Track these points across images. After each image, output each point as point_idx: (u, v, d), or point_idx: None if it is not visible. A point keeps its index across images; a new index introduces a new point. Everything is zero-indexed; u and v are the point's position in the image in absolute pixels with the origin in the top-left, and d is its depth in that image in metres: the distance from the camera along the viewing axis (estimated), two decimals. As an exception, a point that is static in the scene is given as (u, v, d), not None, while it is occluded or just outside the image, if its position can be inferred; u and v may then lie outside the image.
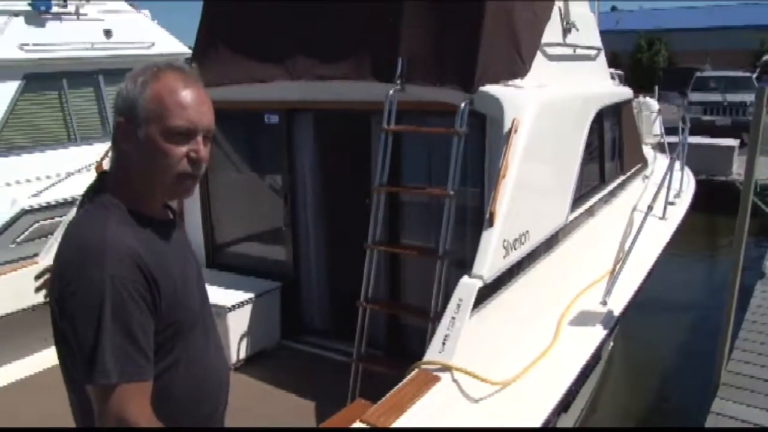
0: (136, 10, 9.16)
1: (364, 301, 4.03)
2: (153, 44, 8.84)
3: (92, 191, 1.74)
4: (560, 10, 4.91)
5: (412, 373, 2.82)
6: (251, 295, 4.69)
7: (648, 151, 7.86)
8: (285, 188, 4.96)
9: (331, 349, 4.78)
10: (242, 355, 4.66)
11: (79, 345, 1.54)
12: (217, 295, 4.56)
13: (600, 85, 5.98)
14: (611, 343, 6.14)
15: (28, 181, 7.10)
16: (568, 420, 4.44)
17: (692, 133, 14.27)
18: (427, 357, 2.90)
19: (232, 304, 4.54)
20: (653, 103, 8.85)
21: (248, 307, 4.67)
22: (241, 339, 4.63)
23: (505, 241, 3.30)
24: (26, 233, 6.88)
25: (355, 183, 4.58)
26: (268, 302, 4.84)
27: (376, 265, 4.08)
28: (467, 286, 3.06)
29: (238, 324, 4.60)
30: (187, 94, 1.65)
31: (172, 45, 9.17)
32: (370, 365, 3.99)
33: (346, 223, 4.77)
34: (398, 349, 4.55)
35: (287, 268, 5.07)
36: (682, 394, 6.39)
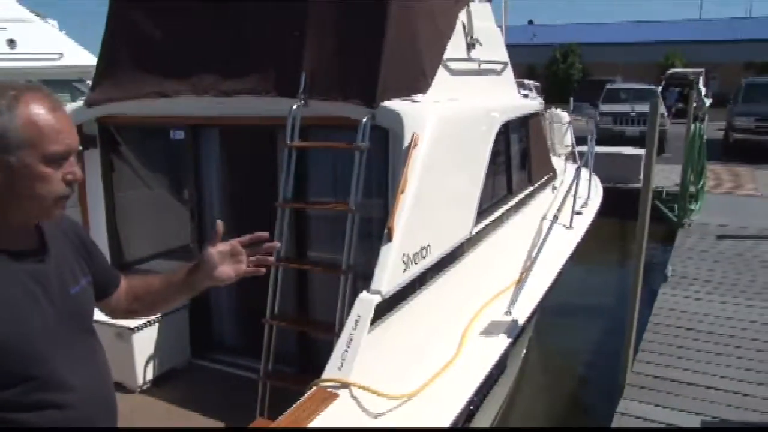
0: (43, 20, 8.85)
1: (269, 318, 3.99)
2: (61, 55, 8.55)
3: None
4: (464, 25, 5.00)
5: (311, 390, 2.81)
6: (158, 315, 4.57)
7: (559, 162, 8.08)
8: (192, 204, 4.85)
9: (242, 366, 4.69)
10: (149, 376, 4.52)
11: None
12: None
13: (506, 98, 6.10)
14: (524, 351, 6.27)
15: None
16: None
17: (603, 142, 14.84)
18: (325, 374, 2.89)
19: (137, 324, 4.41)
20: (564, 115, 9.14)
21: (155, 327, 4.55)
22: (148, 360, 4.50)
23: (404, 255, 3.32)
24: None
25: (263, 198, 4.53)
26: (176, 321, 4.72)
27: (283, 281, 4.04)
28: (365, 302, 3.07)
29: (144, 345, 4.46)
30: (58, 117, 1.63)
31: (81, 56, 8.88)
32: (277, 382, 3.95)
33: None
34: (309, 365, 4.51)
35: None
36: (592, 395, 6.61)
